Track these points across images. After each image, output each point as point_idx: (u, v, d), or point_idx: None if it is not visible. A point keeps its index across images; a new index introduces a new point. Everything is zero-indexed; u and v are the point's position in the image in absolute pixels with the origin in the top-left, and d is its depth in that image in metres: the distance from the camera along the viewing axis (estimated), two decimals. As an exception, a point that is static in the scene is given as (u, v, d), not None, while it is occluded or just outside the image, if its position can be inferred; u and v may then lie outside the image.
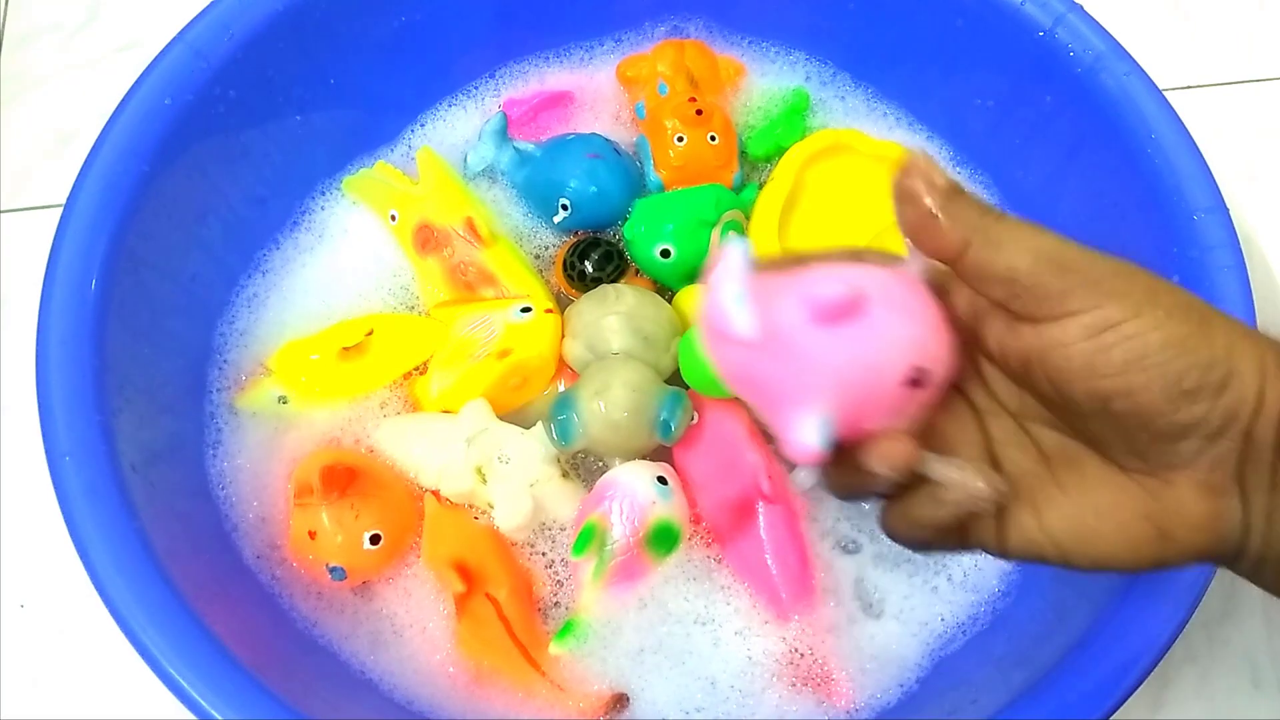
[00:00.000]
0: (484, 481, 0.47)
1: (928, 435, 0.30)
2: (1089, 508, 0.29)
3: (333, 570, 0.45)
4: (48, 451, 0.40)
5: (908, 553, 0.48)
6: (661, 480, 0.46)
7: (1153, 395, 0.27)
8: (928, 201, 0.28)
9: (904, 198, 0.28)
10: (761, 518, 0.47)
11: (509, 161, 0.54)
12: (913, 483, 0.29)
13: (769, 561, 0.46)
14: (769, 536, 0.46)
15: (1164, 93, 0.47)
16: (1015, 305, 0.28)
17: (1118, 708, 0.38)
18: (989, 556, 0.48)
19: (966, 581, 0.48)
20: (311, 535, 0.45)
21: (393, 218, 0.54)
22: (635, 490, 0.45)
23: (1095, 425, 0.28)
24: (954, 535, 0.30)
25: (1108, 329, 0.26)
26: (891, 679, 0.46)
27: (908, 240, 0.29)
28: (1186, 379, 0.26)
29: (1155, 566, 0.28)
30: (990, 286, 0.28)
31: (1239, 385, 0.26)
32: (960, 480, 0.28)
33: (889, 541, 0.47)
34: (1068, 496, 0.29)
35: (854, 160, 0.55)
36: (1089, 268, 0.27)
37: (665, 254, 0.51)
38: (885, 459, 0.28)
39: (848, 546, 0.48)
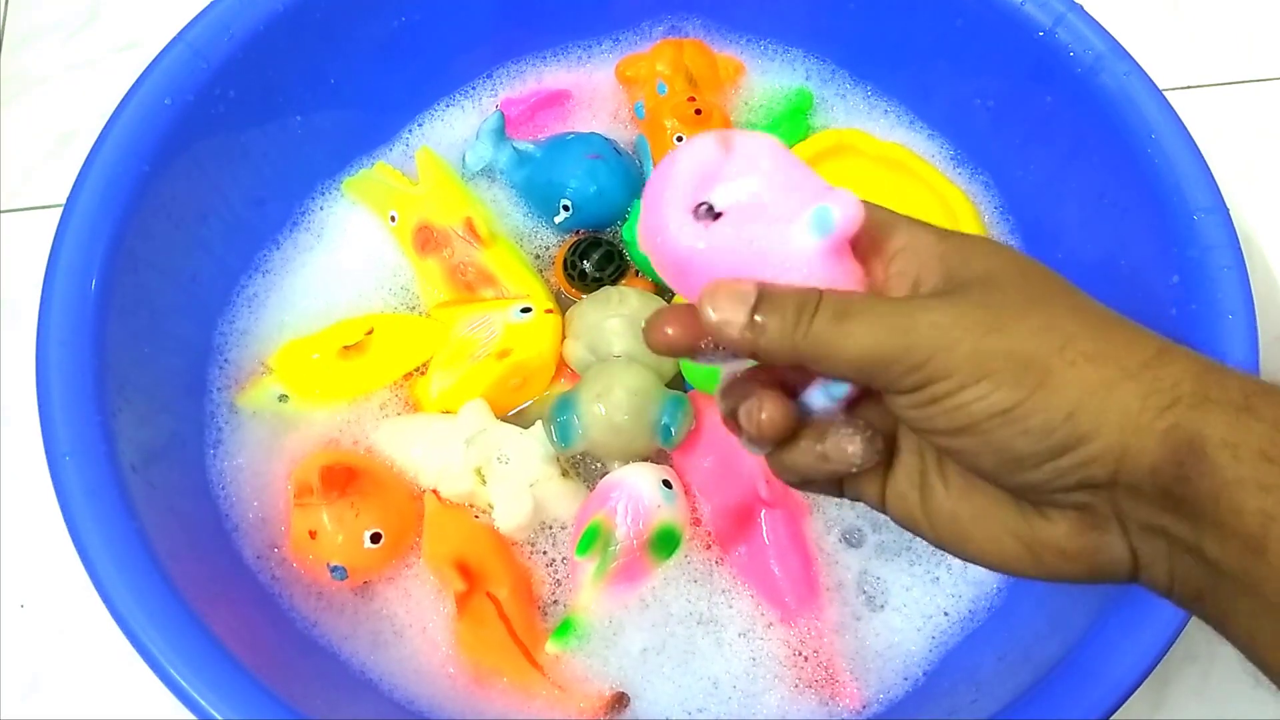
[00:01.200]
0: (483, 482, 0.47)
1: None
2: (967, 510, 0.28)
3: (334, 569, 0.45)
4: (48, 451, 0.40)
5: (909, 542, 0.48)
6: (666, 484, 0.46)
7: (987, 460, 0.26)
8: (735, 328, 0.27)
9: (713, 331, 0.27)
10: (763, 523, 0.47)
11: (507, 160, 0.54)
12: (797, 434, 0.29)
13: (773, 567, 0.46)
14: (771, 542, 0.46)
15: (1164, 93, 0.47)
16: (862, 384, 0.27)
17: (1118, 708, 0.38)
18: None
19: (966, 574, 0.48)
20: (312, 535, 0.45)
21: (392, 218, 0.54)
22: (641, 493, 0.45)
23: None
24: (833, 486, 0.31)
25: (932, 403, 0.26)
26: (897, 674, 0.46)
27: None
28: (1015, 446, 0.25)
29: (1030, 578, 0.28)
30: (832, 375, 0.27)
31: (1088, 448, 0.24)
32: (834, 445, 0.28)
33: (891, 531, 0.48)
34: (949, 494, 0.29)
35: (858, 161, 0.55)
36: (914, 347, 0.25)
37: (665, 254, 0.51)
38: (746, 420, 0.28)
39: (851, 539, 0.48)
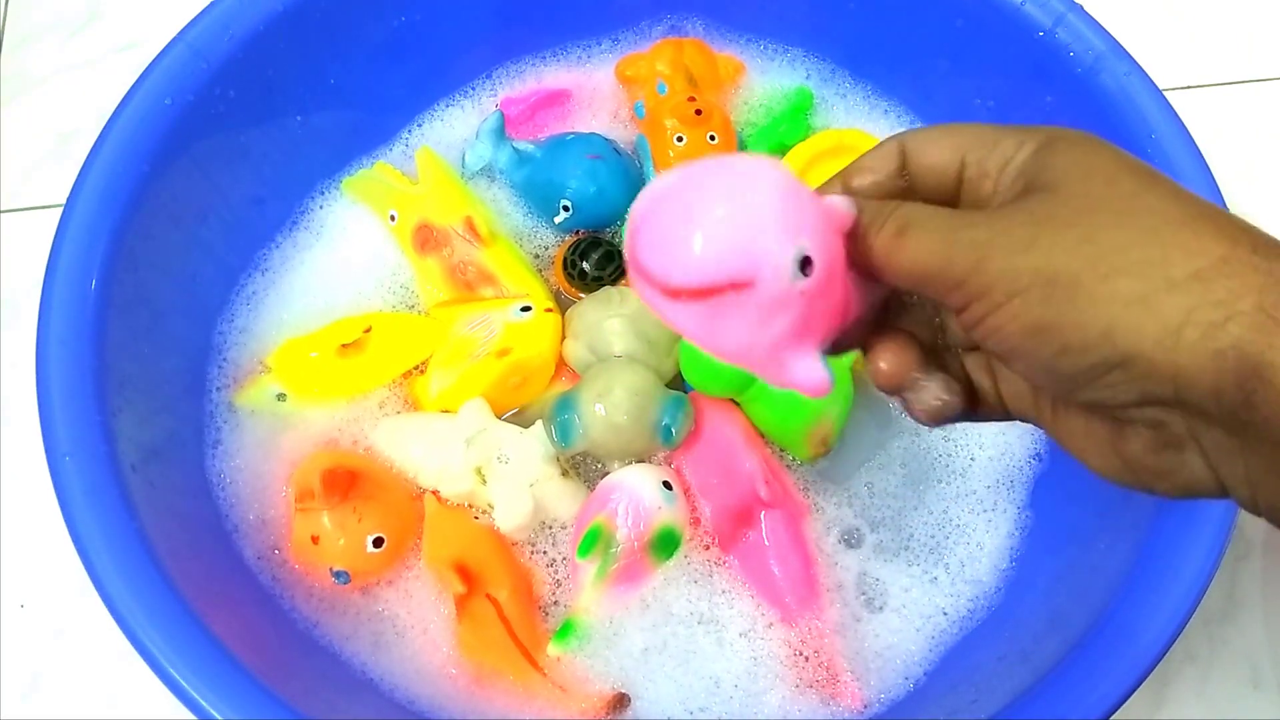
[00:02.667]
0: (483, 482, 0.47)
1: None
2: (1079, 426, 0.28)
3: (337, 575, 0.45)
4: (48, 451, 0.40)
5: (907, 542, 0.48)
6: (666, 485, 0.46)
7: (1046, 381, 0.26)
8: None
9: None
10: (763, 524, 0.47)
11: (507, 160, 0.54)
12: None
13: (773, 568, 0.46)
14: (771, 542, 0.46)
15: (1164, 93, 0.47)
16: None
17: (1118, 708, 0.38)
18: (983, 548, 0.48)
19: (964, 572, 0.48)
20: (314, 540, 0.45)
21: (392, 218, 0.54)
22: (641, 494, 0.45)
23: None
24: (1000, 412, 0.30)
25: (975, 325, 0.25)
26: (897, 674, 0.46)
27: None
28: (1060, 366, 0.24)
29: (1142, 492, 0.27)
30: (903, 288, 0.28)
31: (1135, 366, 0.23)
32: (927, 396, 0.29)
33: (889, 531, 0.48)
34: (1057, 410, 0.28)
35: (855, 161, 0.55)
36: (952, 264, 0.25)
37: (665, 254, 0.51)
38: (871, 374, 0.29)
39: (850, 539, 0.48)
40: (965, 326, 0.26)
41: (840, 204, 0.28)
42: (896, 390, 0.29)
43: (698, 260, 0.25)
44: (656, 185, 0.27)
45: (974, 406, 0.30)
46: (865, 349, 0.30)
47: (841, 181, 0.31)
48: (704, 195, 0.26)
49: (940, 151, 0.29)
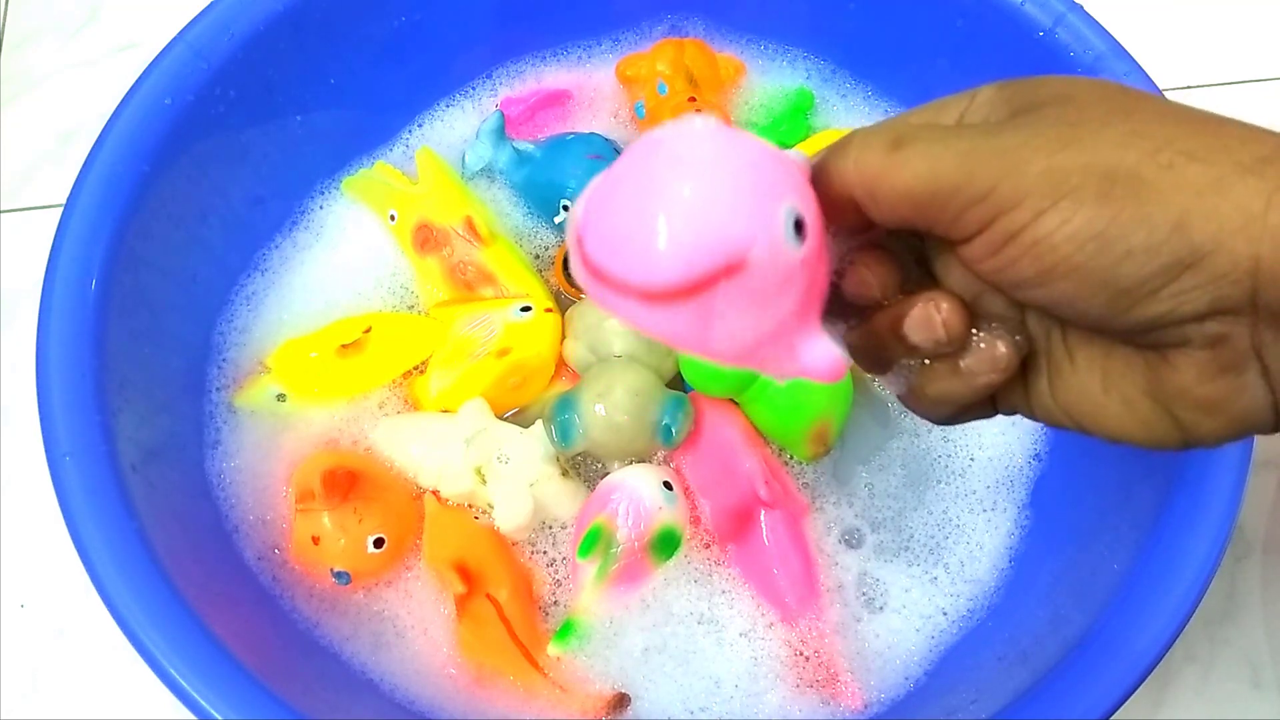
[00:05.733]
0: (483, 482, 0.47)
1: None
2: (1097, 380, 0.25)
3: (337, 575, 0.45)
4: (48, 451, 0.40)
5: (907, 542, 0.48)
6: (667, 486, 0.46)
7: (1096, 301, 0.22)
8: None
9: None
10: (763, 524, 0.47)
11: (507, 160, 0.55)
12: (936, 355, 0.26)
13: (773, 567, 0.46)
14: (771, 543, 0.46)
15: (1164, 93, 0.47)
16: (924, 229, 0.24)
17: (1118, 708, 0.38)
18: (983, 548, 0.48)
19: (964, 572, 0.48)
20: (315, 541, 0.45)
21: (392, 217, 0.54)
22: (642, 495, 0.45)
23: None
24: (984, 404, 0.27)
25: (1009, 242, 0.22)
26: (897, 674, 0.46)
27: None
28: (1121, 275, 0.21)
29: (1177, 448, 0.24)
30: (890, 222, 0.24)
31: (1212, 262, 0.21)
32: (982, 351, 0.25)
33: (890, 532, 0.48)
34: (1075, 368, 0.25)
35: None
36: (977, 174, 0.22)
37: (665, 254, 0.51)
38: (923, 328, 0.25)
39: (850, 540, 0.48)
40: (990, 251, 0.23)
41: (794, 153, 0.24)
42: (960, 346, 0.25)
43: (674, 251, 0.21)
44: (602, 176, 0.23)
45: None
46: (902, 313, 0.26)
47: None
48: (662, 172, 0.22)
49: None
